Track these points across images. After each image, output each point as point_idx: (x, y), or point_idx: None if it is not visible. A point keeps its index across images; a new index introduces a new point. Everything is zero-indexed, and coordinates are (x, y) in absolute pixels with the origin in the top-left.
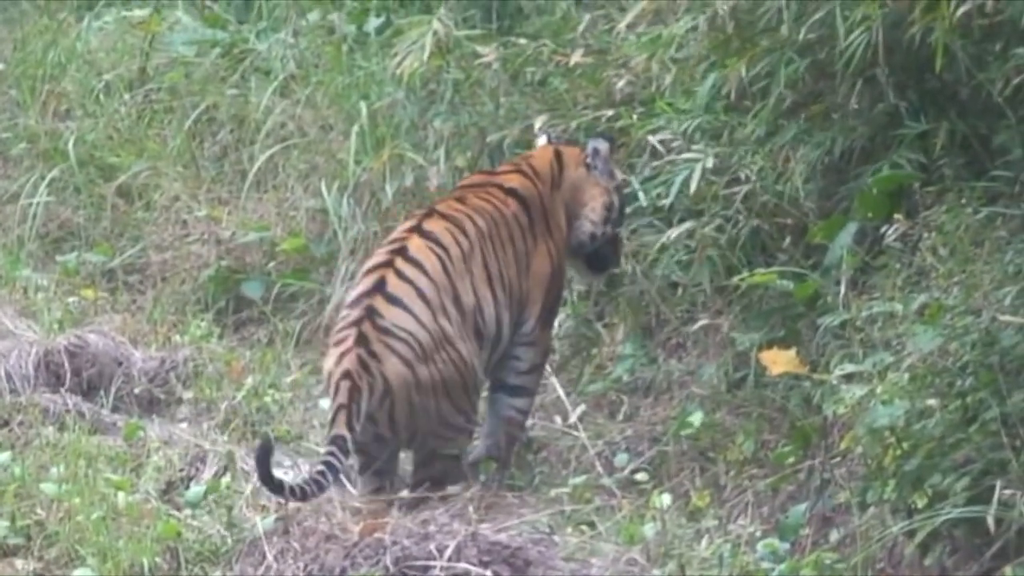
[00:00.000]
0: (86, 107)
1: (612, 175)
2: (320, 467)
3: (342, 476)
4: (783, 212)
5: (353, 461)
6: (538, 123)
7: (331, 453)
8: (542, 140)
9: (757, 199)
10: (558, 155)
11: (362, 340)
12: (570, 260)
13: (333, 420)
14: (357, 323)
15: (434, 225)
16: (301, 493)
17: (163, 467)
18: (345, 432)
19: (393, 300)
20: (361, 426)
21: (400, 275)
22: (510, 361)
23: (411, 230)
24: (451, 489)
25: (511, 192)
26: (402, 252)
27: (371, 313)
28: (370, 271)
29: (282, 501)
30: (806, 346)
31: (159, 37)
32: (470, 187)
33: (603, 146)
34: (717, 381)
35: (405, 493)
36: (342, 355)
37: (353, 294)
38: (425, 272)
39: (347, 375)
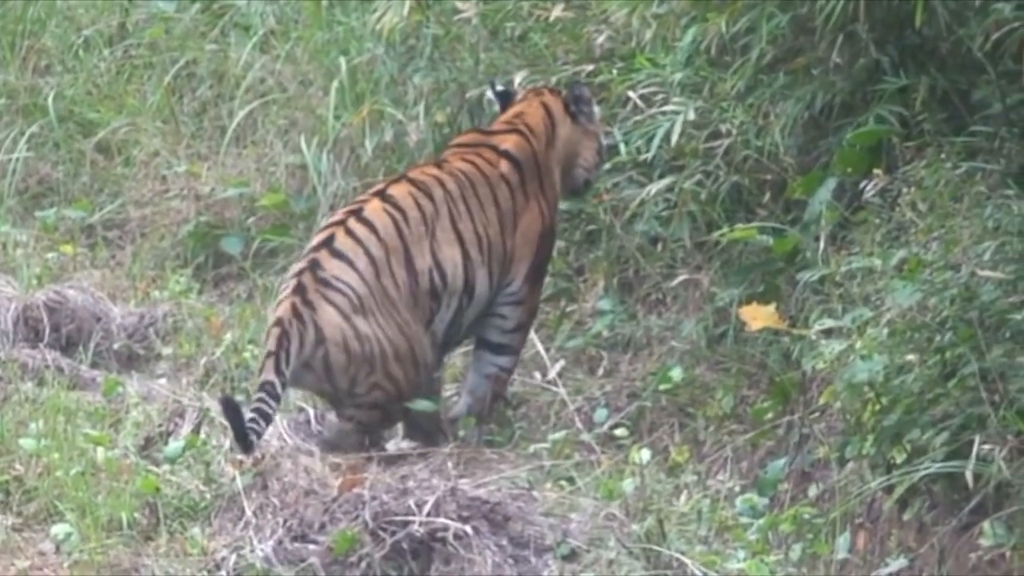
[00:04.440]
0: (65, 63)
1: (594, 116)
2: (251, 415)
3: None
4: (763, 167)
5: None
6: (518, 79)
7: (260, 399)
8: (489, 92)
9: (738, 154)
10: (547, 109)
11: (299, 289)
12: (564, 199)
13: (262, 367)
14: (299, 274)
15: (397, 190)
16: (243, 445)
17: (142, 423)
18: (274, 377)
19: (337, 254)
20: (297, 373)
21: (349, 233)
22: (495, 319)
23: (374, 194)
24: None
25: (504, 154)
26: (357, 213)
27: (313, 265)
28: (323, 229)
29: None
30: (785, 301)
31: None
32: (462, 146)
33: (584, 91)
34: (696, 337)
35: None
36: (278, 304)
37: (305, 249)
38: (375, 231)
39: (278, 322)
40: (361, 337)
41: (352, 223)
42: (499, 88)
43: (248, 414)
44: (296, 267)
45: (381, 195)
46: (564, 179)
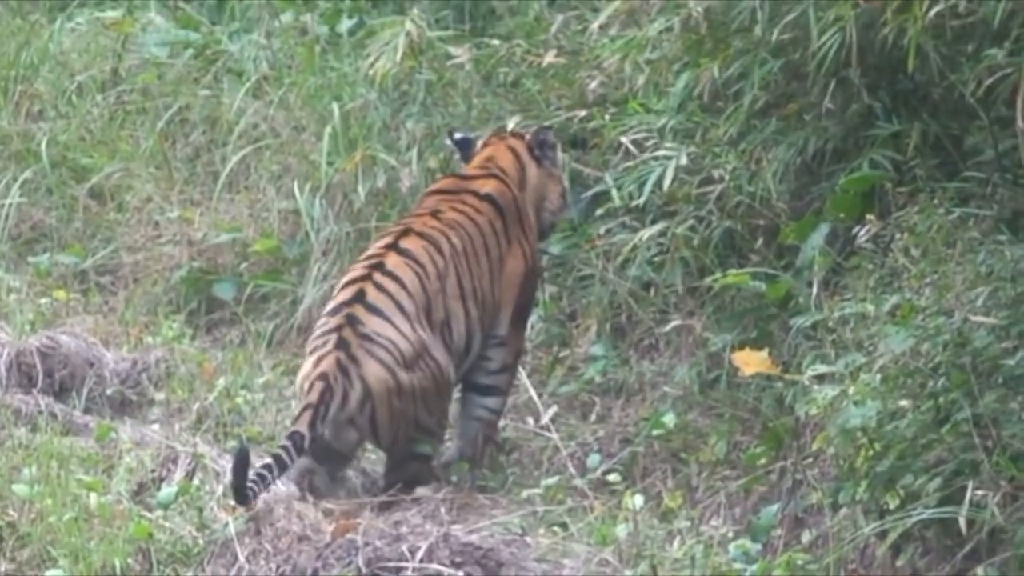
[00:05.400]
0: (59, 108)
1: (557, 161)
2: (267, 460)
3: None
4: (756, 213)
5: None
6: (511, 124)
7: (284, 448)
8: (448, 141)
9: (730, 199)
10: (514, 152)
11: (342, 344)
12: None
13: (297, 417)
14: (337, 329)
15: (411, 243)
16: (239, 498)
17: (135, 468)
18: (306, 431)
19: (373, 310)
20: (337, 431)
21: (379, 287)
22: (481, 361)
23: (387, 247)
24: (421, 491)
25: (487, 197)
26: (380, 267)
27: (352, 320)
28: (348, 284)
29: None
30: (778, 347)
31: (132, 38)
32: (441, 193)
33: (548, 135)
34: (689, 382)
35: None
36: (320, 359)
37: (331, 304)
38: (404, 286)
39: (323, 376)
40: (404, 393)
41: (379, 277)
42: (457, 136)
43: (265, 460)
44: (331, 323)
45: (397, 249)
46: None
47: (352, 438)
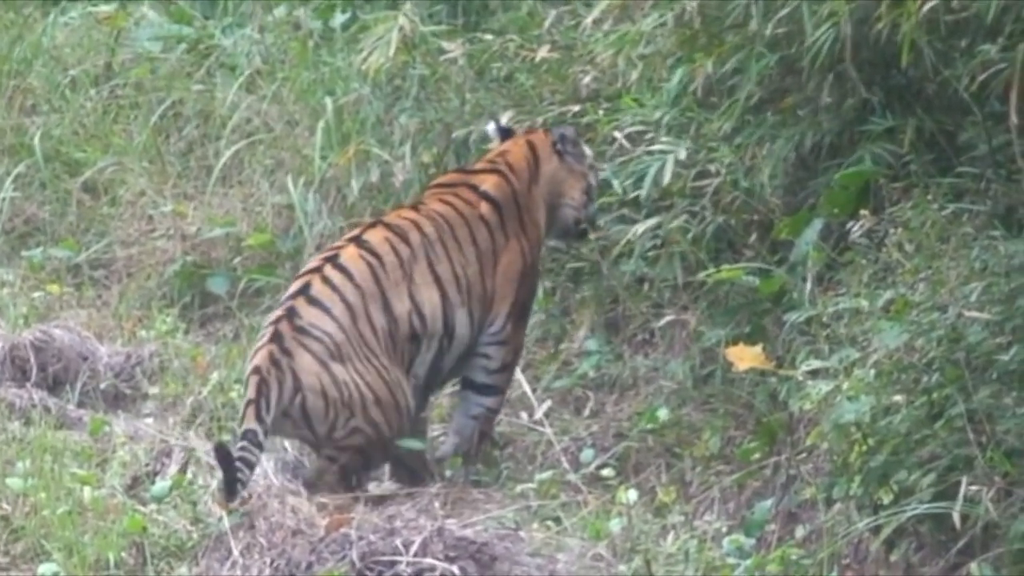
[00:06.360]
0: (52, 102)
1: (583, 156)
2: (235, 464)
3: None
4: (750, 208)
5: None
6: (504, 119)
7: (243, 448)
8: (491, 127)
9: (725, 194)
10: (532, 148)
11: (276, 337)
12: (556, 240)
13: (243, 415)
14: (275, 322)
15: (373, 235)
16: (229, 493)
17: (129, 462)
18: (255, 425)
19: (313, 301)
20: (275, 422)
21: (326, 280)
22: (479, 359)
23: (350, 239)
24: (387, 485)
25: (484, 195)
26: (333, 259)
27: (290, 313)
28: (299, 276)
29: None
30: (772, 342)
31: (125, 33)
32: (442, 187)
33: (569, 131)
34: (683, 377)
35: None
36: (255, 352)
37: (281, 299)
38: (351, 278)
39: (256, 371)
40: (339, 383)
41: (328, 270)
42: (503, 125)
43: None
44: (273, 315)
45: (357, 241)
46: (551, 218)
47: (289, 429)
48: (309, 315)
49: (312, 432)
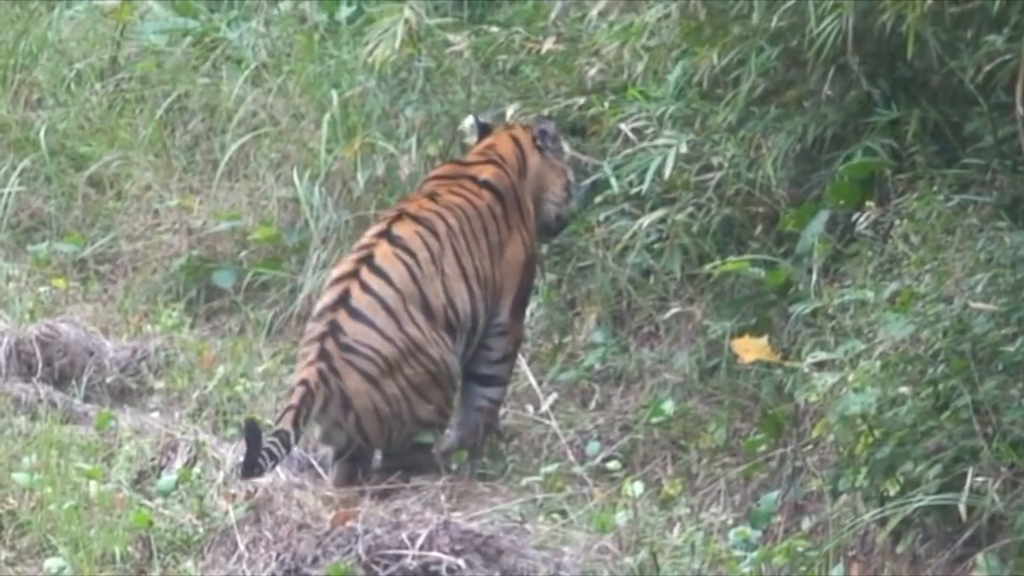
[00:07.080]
0: (57, 96)
1: (562, 152)
2: (263, 447)
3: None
4: (755, 200)
5: (327, 450)
6: (510, 111)
7: (272, 443)
8: (468, 122)
9: (729, 186)
10: (516, 141)
11: (324, 356)
12: (536, 236)
13: (281, 417)
14: (320, 339)
15: (403, 229)
16: (247, 470)
17: (135, 456)
18: (291, 428)
19: (356, 314)
20: (328, 432)
21: (365, 287)
22: (481, 351)
23: (380, 235)
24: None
25: (485, 184)
26: (368, 261)
27: (334, 329)
28: (336, 281)
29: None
30: (778, 334)
31: (130, 26)
32: (441, 179)
33: (550, 126)
34: (689, 369)
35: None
36: (305, 366)
37: (319, 306)
38: (391, 283)
39: (304, 383)
40: (390, 399)
41: (365, 275)
42: (481, 120)
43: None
44: (316, 330)
45: (388, 237)
46: (536, 213)
47: (343, 440)
48: (354, 331)
49: (369, 444)
